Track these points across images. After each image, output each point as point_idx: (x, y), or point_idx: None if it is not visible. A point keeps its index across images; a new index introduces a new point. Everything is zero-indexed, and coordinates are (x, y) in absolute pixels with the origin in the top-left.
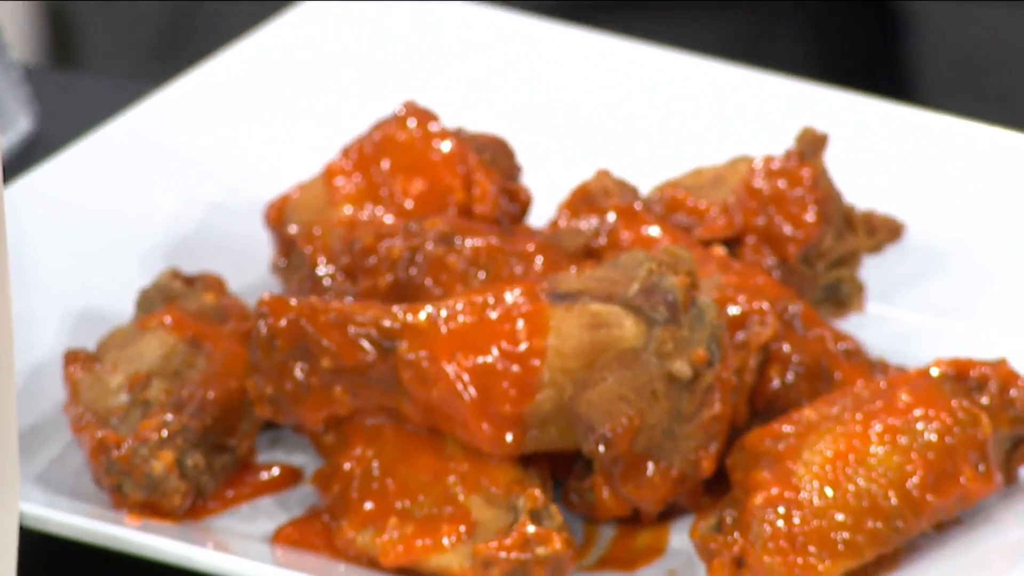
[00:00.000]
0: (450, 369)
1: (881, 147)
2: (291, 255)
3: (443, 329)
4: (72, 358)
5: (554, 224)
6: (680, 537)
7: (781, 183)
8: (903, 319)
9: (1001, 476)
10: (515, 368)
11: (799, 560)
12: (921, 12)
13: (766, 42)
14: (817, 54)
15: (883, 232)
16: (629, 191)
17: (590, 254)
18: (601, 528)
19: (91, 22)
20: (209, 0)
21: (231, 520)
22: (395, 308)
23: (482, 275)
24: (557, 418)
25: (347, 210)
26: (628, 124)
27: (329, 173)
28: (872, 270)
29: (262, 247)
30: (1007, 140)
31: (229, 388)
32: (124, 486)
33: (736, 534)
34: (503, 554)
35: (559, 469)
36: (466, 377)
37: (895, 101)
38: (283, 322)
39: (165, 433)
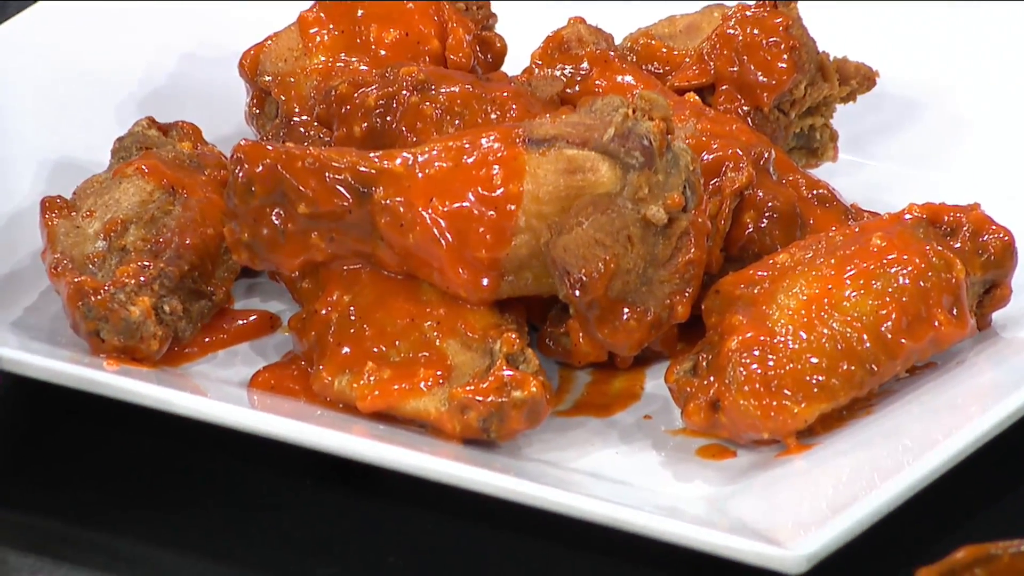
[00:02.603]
0: (426, 214)
1: None
2: (265, 104)
3: (419, 175)
4: (49, 205)
5: (528, 71)
6: (655, 382)
7: (754, 31)
8: (876, 167)
9: (974, 321)
10: (491, 213)
11: (774, 403)
12: None
13: None
14: None
15: (856, 80)
16: (603, 38)
17: (564, 102)
18: (577, 373)
19: None
20: None
21: (208, 366)
22: (371, 154)
23: (457, 123)
24: (533, 263)
25: (321, 59)
26: None
27: (303, 22)
28: (845, 119)
29: (237, 96)
30: None
31: (206, 235)
32: (102, 331)
33: (711, 378)
34: (479, 398)
35: (535, 316)
36: (442, 222)
37: None
38: (260, 168)
39: (143, 279)
